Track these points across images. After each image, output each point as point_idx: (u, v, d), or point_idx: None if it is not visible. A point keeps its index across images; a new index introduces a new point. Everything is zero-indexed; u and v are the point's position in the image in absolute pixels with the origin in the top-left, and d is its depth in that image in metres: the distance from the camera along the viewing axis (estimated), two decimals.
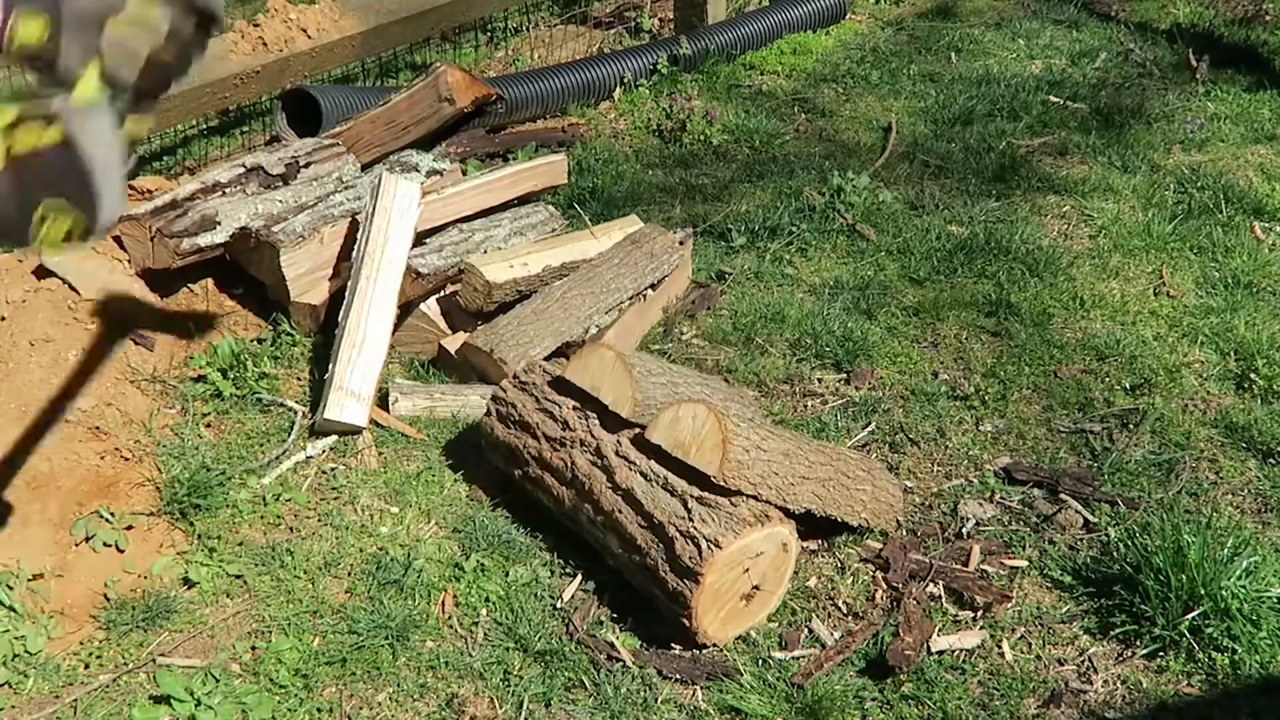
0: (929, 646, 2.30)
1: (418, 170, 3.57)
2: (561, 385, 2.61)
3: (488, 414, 2.69)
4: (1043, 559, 2.53)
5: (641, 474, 2.39)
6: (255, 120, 4.43)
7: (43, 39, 1.33)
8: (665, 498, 2.33)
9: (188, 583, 2.48)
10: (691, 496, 2.30)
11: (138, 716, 2.17)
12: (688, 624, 2.26)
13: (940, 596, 2.44)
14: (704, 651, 2.32)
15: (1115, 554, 2.46)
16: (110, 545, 2.53)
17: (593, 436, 2.49)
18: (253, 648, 2.33)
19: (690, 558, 2.22)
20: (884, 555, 2.53)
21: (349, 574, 2.51)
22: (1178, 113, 4.57)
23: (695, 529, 2.24)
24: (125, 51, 1.38)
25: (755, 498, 2.33)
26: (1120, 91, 4.80)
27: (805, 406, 3.00)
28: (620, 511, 2.38)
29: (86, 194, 1.33)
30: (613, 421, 2.50)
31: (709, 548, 2.20)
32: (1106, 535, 2.55)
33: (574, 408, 2.56)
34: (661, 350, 3.21)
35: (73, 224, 1.33)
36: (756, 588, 2.31)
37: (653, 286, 3.27)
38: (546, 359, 2.93)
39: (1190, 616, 2.27)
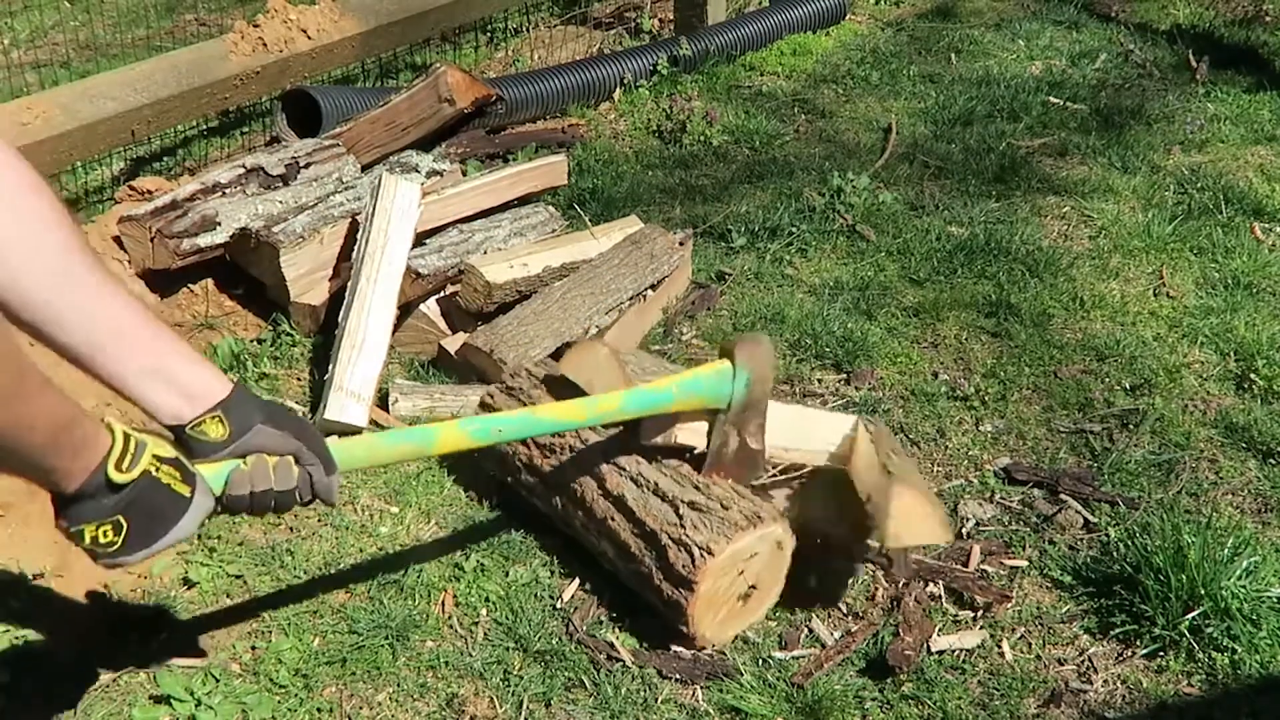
0: (929, 646, 2.30)
1: (418, 171, 3.57)
2: (552, 384, 2.60)
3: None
4: (1043, 559, 2.53)
5: (632, 479, 2.36)
6: (255, 121, 4.43)
7: (218, 441, 1.69)
8: (657, 504, 2.30)
9: (187, 583, 2.48)
10: (683, 502, 2.27)
11: (138, 716, 2.17)
12: (685, 629, 2.26)
13: (940, 596, 2.44)
14: (704, 651, 2.32)
15: (1115, 554, 2.46)
16: None
17: (581, 441, 2.47)
18: (253, 648, 2.33)
19: (684, 566, 2.20)
20: (885, 555, 2.53)
21: (349, 574, 2.51)
22: (1178, 113, 4.57)
23: (687, 536, 2.21)
24: (258, 474, 1.72)
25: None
26: (1120, 92, 4.80)
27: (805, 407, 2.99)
28: (613, 519, 2.36)
29: (161, 530, 1.62)
30: None
31: (702, 555, 2.18)
32: (1106, 535, 2.55)
33: None
34: (661, 350, 3.21)
35: (108, 542, 1.60)
36: (753, 587, 2.30)
37: (653, 287, 3.27)
38: (541, 360, 2.94)
39: (1190, 616, 2.27)
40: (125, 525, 1.57)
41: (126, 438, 1.55)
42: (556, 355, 3.00)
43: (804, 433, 2.57)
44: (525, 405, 2.59)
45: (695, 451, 2.38)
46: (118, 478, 1.52)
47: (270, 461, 1.73)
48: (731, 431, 2.28)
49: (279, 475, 1.73)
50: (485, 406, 2.67)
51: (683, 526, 2.23)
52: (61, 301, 1.57)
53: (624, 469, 2.39)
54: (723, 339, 3.25)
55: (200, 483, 1.66)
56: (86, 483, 1.51)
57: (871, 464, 2.29)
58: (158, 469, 1.58)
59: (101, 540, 1.57)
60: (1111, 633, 2.33)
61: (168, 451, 1.62)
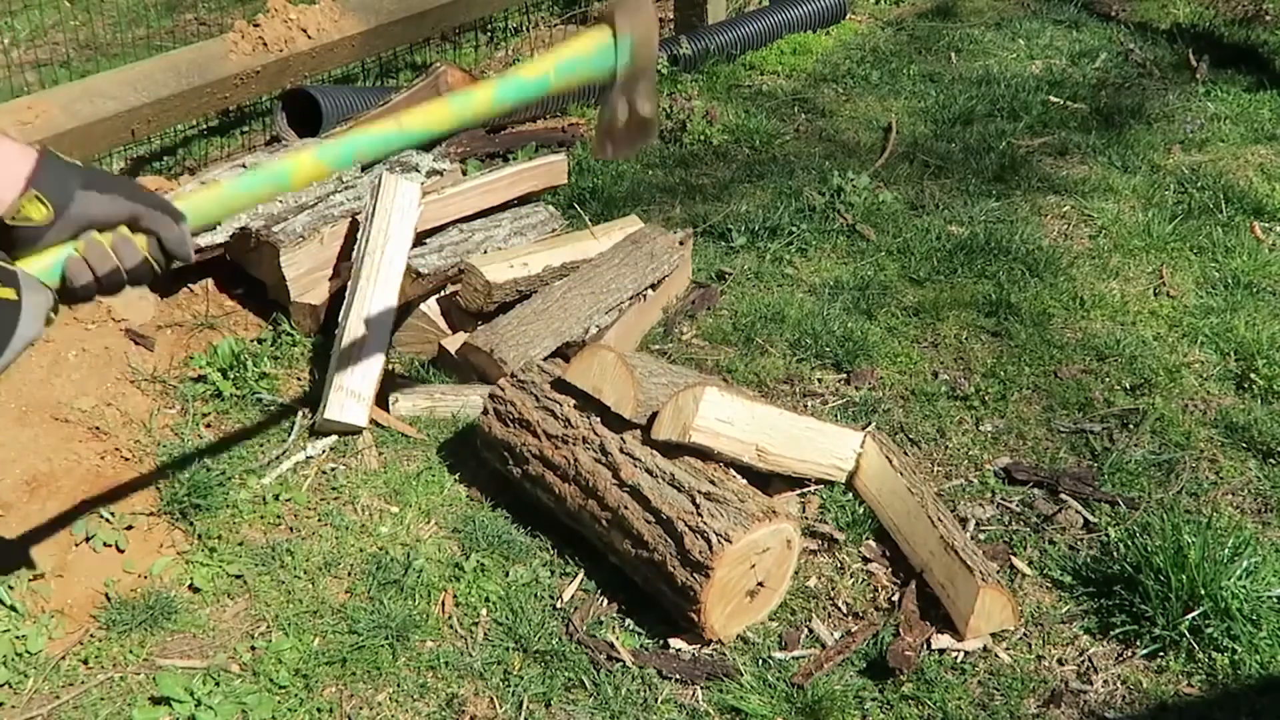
0: (929, 646, 2.31)
1: (418, 170, 3.57)
2: (562, 385, 2.61)
3: (485, 412, 2.69)
4: (1043, 559, 2.53)
5: (647, 470, 2.40)
6: (255, 121, 4.43)
7: (42, 222, 1.53)
8: (673, 494, 2.34)
9: (188, 583, 2.48)
10: (699, 493, 2.31)
11: (138, 716, 2.17)
12: (696, 618, 2.26)
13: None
14: (704, 651, 2.32)
15: (1115, 554, 2.46)
16: (110, 545, 2.53)
17: (595, 434, 2.50)
18: (253, 648, 2.33)
19: (700, 552, 2.22)
20: (885, 554, 2.54)
21: (349, 574, 2.51)
22: (1178, 113, 4.57)
23: (705, 524, 2.25)
24: (95, 256, 1.57)
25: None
26: (1120, 91, 4.80)
27: (805, 406, 2.99)
28: (626, 508, 2.38)
29: (2, 342, 1.48)
30: (615, 420, 2.50)
31: (719, 542, 2.21)
32: (1106, 535, 2.55)
33: (575, 405, 2.57)
34: (661, 350, 3.21)
35: None
36: (761, 584, 2.32)
37: (653, 286, 3.27)
38: (546, 359, 2.94)
39: (1190, 616, 2.27)
40: None
41: None
42: (557, 354, 3.01)
43: (811, 446, 2.62)
44: (537, 398, 2.61)
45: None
46: None
47: (106, 240, 1.58)
48: (620, 101, 2.16)
49: (121, 251, 1.59)
50: (495, 399, 2.67)
51: (700, 515, 2.27)
52: None
53: (639, 460, 2.42)
54: (722, 338, 3.25)
55: (25, 279, 1.51)
56: None
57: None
58: None
59: None
60: (1111, 633, 2.33)
61: None
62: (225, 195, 1.78)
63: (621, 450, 2.46)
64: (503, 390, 2.68)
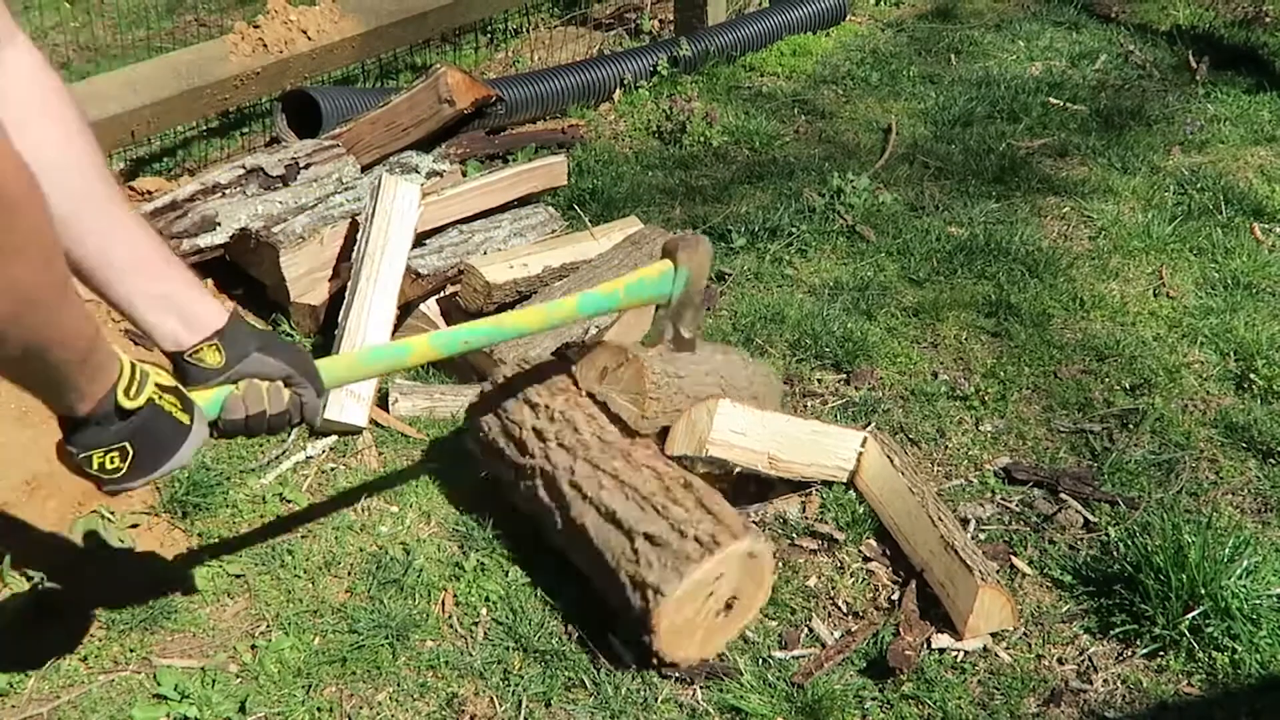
0: (929, 645, 2.30)
1: (418, 172, 3.57)
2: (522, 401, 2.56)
3: (476, 433, 2.64)
4: (1043, 559, 2.53)
5: (594, 506, 2.31)
6: (255, 122, 4.43)
7: (214, 367, 1.77)
8: (614, 536, 2.24)
9: (188, 583, 2.48)
10: (639, 534, 2.20)
11: (138, 716, 2.17)
12: (661, 661, 2.21)
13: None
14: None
15: (1115, 554, 2.46)
16: (110, 545, 2.53)
17: (550, 463, 2.42)
18: (253, 647, 2.33)
19: (640, 609, 2.15)
20: (885, 554, 2.54)
21: (349, 574, 2.51)
22: (1178, 114, 4.57)
23: (641, 574, 2.15)
24: (251, 397, 1.80)
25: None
26: (1120, 93, 4.80)
27: (805, 406, 3.00)
28: (577, 550, 2.35)
29: (163, 457, 1.68)
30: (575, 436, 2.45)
31: (655, 597, 2.12)
32: (1106, 535, 2.55)
33: (532, 428, 2.48)
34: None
35: (114, 469, 1.66)
36: (733, 599, 2.25)
37: None
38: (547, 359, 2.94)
39: (1190, 616, 2.27)
40: (131, 452, 1.62)
41: (133, 366, 1.60)
42: (557, 355, 3.00)
43: (817, 449, 2.61)
44: (502, 423, 2.56)
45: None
46: (126, 404, 1.57)
47: (263, 386, 1.80)
48: (669, 325, 2.46)
49: (271, 398, 1.81)
50: (472, 433, 2.64)
51: (637, 561, 2.17)
52: (83, 221, 1.62)
53: (586, 495, 2.32)
54: (722, 338, 3.25)
55: (198, 412, 1.71)
56: (97, 407, 1.55)
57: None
58: (160, 397, 1.63)
59: (108, 466, 1.62)
60: (1111, 632, 2.33)
61: (168, 381, 1.67)
62: (353, 367, 2.09)
63: (570, 483, 2.36)
64: (476, 413, 2.62)
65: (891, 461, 2.58)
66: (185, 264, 1.79)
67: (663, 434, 2.53)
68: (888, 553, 2.54)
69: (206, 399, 1.77)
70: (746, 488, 2.64)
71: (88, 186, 1.63)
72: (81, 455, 1.61)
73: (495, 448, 2.55)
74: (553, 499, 2.39)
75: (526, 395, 2.55)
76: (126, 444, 1.61)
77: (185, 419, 1.68)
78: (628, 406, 2.47)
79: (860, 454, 2.65)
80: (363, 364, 2.12)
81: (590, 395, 2.54)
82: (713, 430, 2.43)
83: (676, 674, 2.25)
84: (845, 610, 2.43)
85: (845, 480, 2.68)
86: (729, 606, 2.25)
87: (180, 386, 1.70)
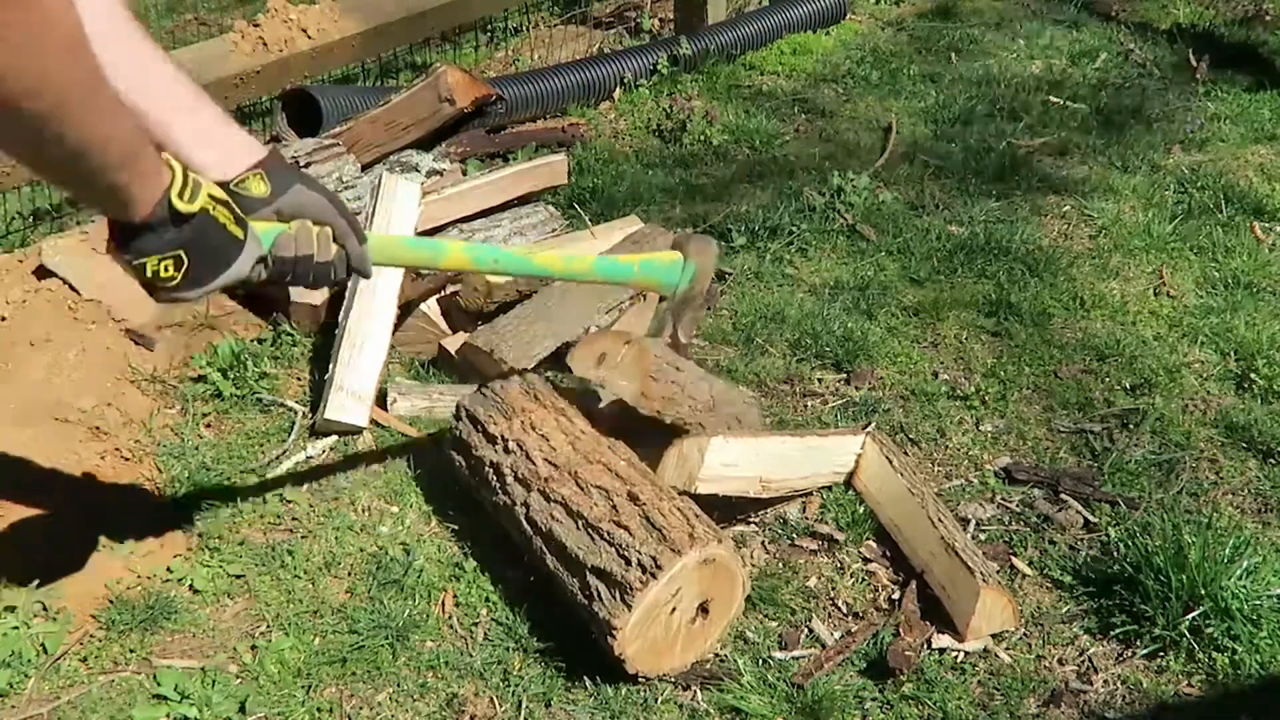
0: (929, 646, 2.30)
1: (418, 170, 3.57)
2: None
3: (454, 468, 2.63)
4: (1043, 559, 2.53)
5: (549, 540, 2.29)
6: (255, 120, 4.43)
7: (260, 196, 1.78)
8: (568, 572, 2.24)
9: (188, 583, 2.48)
10: (588, 568, 2.18)
11: (138, 716, 2.17)
12: (646, 679, 2.21)
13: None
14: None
15: (1115, 554, 2.46)
16: (110, 545, 2.53)
17: (510, 498, 2.40)
18: (253, 647, 2.33)
19: (602, 640, 2.16)
20: (885, 554, 2.54)
21: (349, 574, 2.51)
22: (1178, 113, 4.57)
23: (594, 608, 2.15)
24: (302, 238, 1.82)
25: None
26: (1120, 91, 4.80)
27: (805, 406, 3.00)
28: (548, 581, 2.34)
29: (218, 269, 1.70)
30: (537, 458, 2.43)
31: (609, 633, 2.12)
32: (1106, 535, 2.55)
33: (491, 464, 2.46)
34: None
35: (169, 277, 1.66)
36: (708, 600, 2.23)
37: None
38: (544, 360, 2.94)
39: (1190, 616, 2.27)
40: (186, 260, 1.63)
41: (185, 173, 1.60)
42: (557, 355, 3.01)
43: (812, 462, 2.61)
44: (479, 431, 2.55)
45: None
46: (181, 206, 1.58)
47: (314, 230, 1.82)
48: (669, 320, 2.48)
49: (321, 245, 1.83)
50: (459, 410, 2.64)
51: (590, 599, 2.17)
52: (110, 52, 1.56)
53: (541, 529, 2.31)
54: (722, 338, 3.25)
55: (251, 230, 1.73)
56: (153, 211, 1.56)
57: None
58: (214, 208, 1.65)
59: (162, 274, 1.63)
60: (1111, 633, 2.33)
61: (220, 194, 1.68)
62: (392, 249, 2.11)
63: (528, 515, 2.35)
64: (457, 431, 2.61)
65: (891, 463, 2.58)
66: (215, 101, 1.81)
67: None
68: (888, 553, 2.54)
69: (260, 229, 1.77)
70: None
71: (114, 25, 1.65)
72: (136, 261, 1.60)
73: (469, 484, 2.57)
74: (518, 533, 2.40)
75: (485, 426, 2.51)
76: (181, 252, 1.62)
77: (239, 232, 1.69)
78: (627, 385, 2.45)
79: (858, 456, 2.65)
80: (400, 248, 2.17)
81: (560, 401, 2.51)
82: (704, 467, 2.41)
83: (671, 680, 2.25)
84: (845, 611, 2.43)
85: (843, 482, 2.68)
86: (704, 611, 2.23)
87: (232, 202, 1.70)
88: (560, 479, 2.34)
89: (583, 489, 2.31)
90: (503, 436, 2.47)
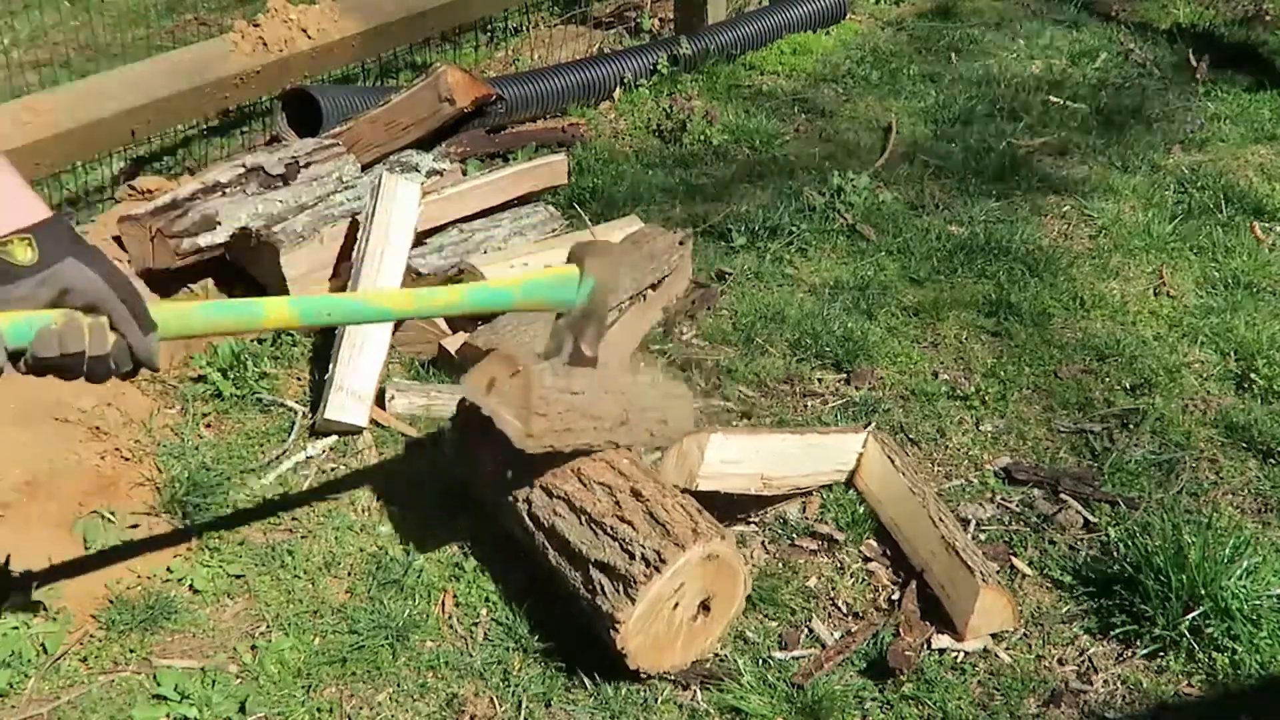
0: (929, 646, 2.30)
1: (418, 170, 3.57)
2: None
3: (454, 466, 2.63)
4: (1043, 559, 2.53)
5: (551, 536, 2.29)
6: (255, 120, 4.43)
7: (24, 264, 1.55)
8: (571, 567, 2.24)
9: (188, 583, 2.48)
10: (591, 562, 2.19)
11: (138, 716, 2.17)
12: (647, 675, 2.21)
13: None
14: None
15: (1115, 554, 2.46)
16: (110, 545, 2.53)
17: (511, 495, 2.40)
18: (253, 647, 2.33)
19: (606, 634, 2.15)
20: (885, 553, 2.54)
21: (349, 574, 2.51)
22: (1178, 113, 4.57)
23: (598, 603, 2.16)
24: (70, 333, 1.58)
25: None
26: (1120, 91, 4.80)
27: (805, 406, 3.00)
28: (550, 577, 2.34)
29: None
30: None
31: (611, 626, 2.13)
32: (1106, 535, 2.55)
33: (492, 459, 2.44)
34: (662, 350, 3.21)
35: None
36: (710, 598, 2.24)
37: (653, 286, 3.27)
38: None
39: (1190, 616, 2.27)
40: None
41: None
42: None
43: (813, 460, 2.60)
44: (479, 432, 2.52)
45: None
46: None
47: (85, 322, 1.60)
48: (568, 336, 2.26)
49: (93, 338, 1.60)
50: (461, 409, 2.63)
51: (593, 592, 2.17)
52: None
53: (544, 524, 2.31)
54: (722, 338, 3.25)
55: None
56: None
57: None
58: None
59: None
60: (1111, 633, 2.33)
61: None
62: (190, 318, 1.81)
63: (530, 514, 2.34)
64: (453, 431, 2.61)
65: (892, 462, 2.58)
66: (9, 163, 1.62)
67: None
68: (888, 553, 2.54)
69: (13, 320, 1.56)
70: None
71: None
72: None
73: (474, 482, 2.56)
74: (521, 531, 2.40)
75: (489, 430, 2.44)
76: None
77: None
78: (512, 422, 2.20)
79: (860, 455, 2.65)
80: (205, 316, 1.84)
81: (476, 409, 2.34)
82: (704, 464, 2.41)
83: (670, 679, 2.25)
84: (845, 611, 2.43)
85: (844, 481, 2.69)
86: (706, 608, 2.24)
87: None
88: (563, 475, 2.34)
89: (585, 485, 2.31)
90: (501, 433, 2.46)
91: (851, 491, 2.67)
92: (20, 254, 1.55)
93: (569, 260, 2.25)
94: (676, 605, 2.18)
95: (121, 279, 1.64)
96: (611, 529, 2.20)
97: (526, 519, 2.35)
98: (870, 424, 2.83)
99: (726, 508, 2.52)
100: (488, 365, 2.32)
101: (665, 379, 2.63)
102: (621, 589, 2.13)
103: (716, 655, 2.31)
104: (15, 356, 1.57)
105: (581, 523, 2.26)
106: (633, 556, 2.14)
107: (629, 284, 3.16)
